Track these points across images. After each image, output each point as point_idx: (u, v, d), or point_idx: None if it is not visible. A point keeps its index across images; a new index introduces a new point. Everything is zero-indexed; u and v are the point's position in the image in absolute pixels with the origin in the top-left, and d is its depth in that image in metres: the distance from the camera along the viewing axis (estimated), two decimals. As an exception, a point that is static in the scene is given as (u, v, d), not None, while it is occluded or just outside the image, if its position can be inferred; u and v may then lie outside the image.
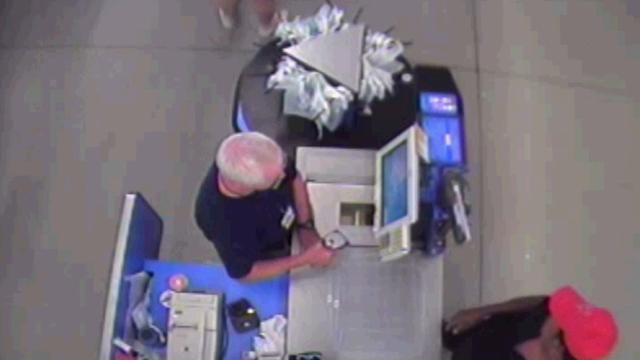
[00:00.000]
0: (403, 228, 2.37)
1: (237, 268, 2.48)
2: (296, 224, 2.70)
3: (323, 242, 2.52)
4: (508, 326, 2.35)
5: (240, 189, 2.23)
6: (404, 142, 2.51)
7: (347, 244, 2.53)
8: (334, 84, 2.61)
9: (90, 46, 4.22)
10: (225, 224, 2.33)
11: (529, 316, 2.27)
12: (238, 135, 2.18)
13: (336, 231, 2.56)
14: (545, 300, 2.22)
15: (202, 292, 2.69)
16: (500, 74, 4.19)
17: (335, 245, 2.51)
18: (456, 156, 2.60)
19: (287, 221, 2.59)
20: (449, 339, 2.71)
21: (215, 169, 2.25)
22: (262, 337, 2.68)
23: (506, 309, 2.52)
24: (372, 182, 2.71)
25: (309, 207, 2.73)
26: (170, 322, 2.63)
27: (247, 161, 2.08)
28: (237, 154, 2.09)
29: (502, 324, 2.44)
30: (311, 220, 2.72)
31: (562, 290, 2.05)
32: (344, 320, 2.66)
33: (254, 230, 2.41)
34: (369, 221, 2.69)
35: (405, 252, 2.36)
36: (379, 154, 2.71)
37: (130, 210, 2.67)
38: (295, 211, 2.64)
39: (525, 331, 2.21)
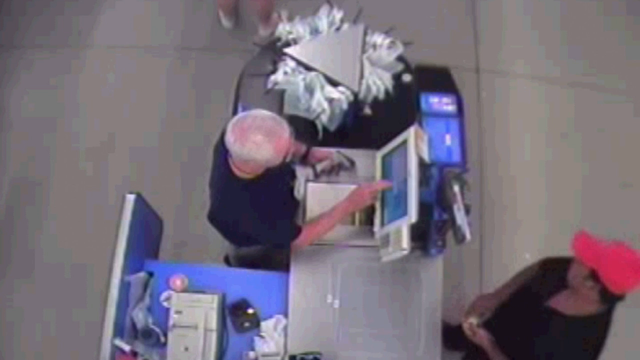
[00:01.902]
0: (403, 228, 2.37)
1: (287, 232, 2.46)
2: (303, 162, 2.75)
3: (337, 151, 2.71)
4: (525, 296, 2.42)
5: (254, 167, 2.23)
6: (404, 142, 2.51)
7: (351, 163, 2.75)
8: (334, 84, 2.61)
9: (90, 46, 4.23)
10: (254, 203, 2.32)
11: (540, 280, 2.36)
12: (242, 114, 2.18)
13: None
14: (542, 262, 2.40)
15: (202, 292, 2.69)
16: (500, 74, 4.19)
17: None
18: (456, 156, 2.60)
19: (298, 192, 2.62)
20: (452, 337, 2.72)
21: (223, 157, 2.25)
22: (262, 337, 2.68)
23: (516, 286, 2.55)
24: (372, 182, 2.71)
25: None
26: (170, 322, 2.63)
27: (255, 137, 2.09)
28: (244, 132, 2.10)
29: (517, 299, 2.49)
30: (307, 147, 2.72)
31: (578, 236, 2.09)
32: (344, 320, 2.66)
33: (280, 204, 2.44)
34: (369, 221, 2.68)
35: (405, 252, 2.36)
36: (379, 154, 2.71)
37: (130, 210, 2.66)
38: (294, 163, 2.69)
39: (544, 291, 2.28)
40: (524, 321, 2.35)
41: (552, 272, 2.27)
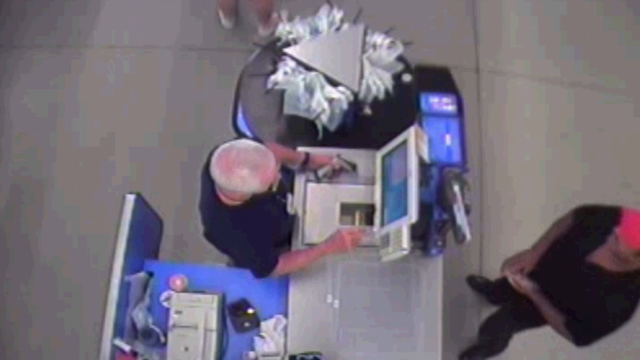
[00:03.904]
0: (403, 228, 2.37)
1: (265, 266, 2.47)
2: (303, 168, 2.75)
3: (338, 155, 2.72)
4: (565, 248, 2.46)
5: (240, 197, 2.25)
6: (404, 142, 2.51)
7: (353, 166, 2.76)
8: (334, 84, 2.61)
9: (90, 46, 4.23)
10: (240, 232, 2.33)
11: (578, 231, 2.41)
12: (226, 145, 2.17)
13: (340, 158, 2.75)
14: (575, 212, 2.45)
15: (202, 292, 2.69)
16: (500, 74, 4.19)
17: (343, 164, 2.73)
18: (456, 156, 2.61)
19: (291, 207, 2.61)
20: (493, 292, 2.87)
21: (210, 185, 2.26)
22: (262, 337, 2.68)
23: (552, 238, 2.59)
24: (372, 182, 2.72)
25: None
26: (170, 322, 2.63)
27: (241, 172, 2.09)
28: (230, 166, 2.10)
29: (558, 251, 2.53)
30: (306, 154, 2.72)
31: (626, 218, 2.12)
32: (344, 320, 2.66)
33: (269, 227, 2.43)
34: (369, 221, 2.69)
35: (405, 252, 2.36)
36: (379, 154, 2.71)
37: (130, 210, 2.66)
38: (290, 170, 2.69)
39: (584, 245, 2.32)
40: (567, 274, 2.39)
41: (589, 224, 2.31)
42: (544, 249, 2.60)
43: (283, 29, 2.70)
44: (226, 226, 2.35)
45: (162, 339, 2.64)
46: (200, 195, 2.46)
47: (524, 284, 2.52)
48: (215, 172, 2.13)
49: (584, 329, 2.36)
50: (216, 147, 2.20)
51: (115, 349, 2.51)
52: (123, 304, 2.59)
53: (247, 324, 2.70)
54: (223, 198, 2.28)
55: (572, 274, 2.36)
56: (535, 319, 2.58)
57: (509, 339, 3.22)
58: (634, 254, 2.11)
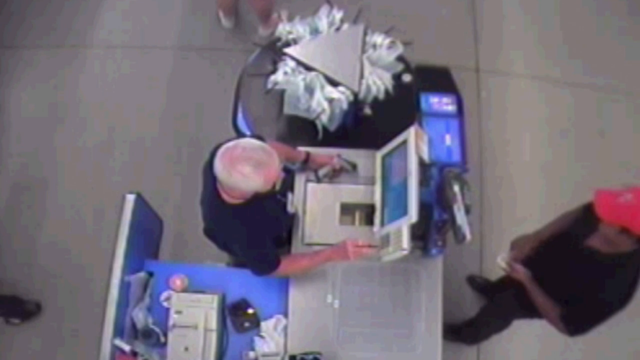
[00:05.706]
0: (403, 228, 2.37)
1: (265, 264, 2.47)
2: (303, 167, 2.75)
3: (338, 155, 2.71)
4: (565, 237, 2.48)
5: (241, 195, 2.24)
6: (404, 142, 2.51)
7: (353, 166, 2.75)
8: (334, 84, 2.61)
9: (90, 46, 4.23)
10: (241, 230, 2.34)
11: (581, 222, 2.42)
12: (231, 143, 2.17)
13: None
14: (587, 206, 2.41)
15: (202, 292, 2.69)
16: (500, 74, 4.19)
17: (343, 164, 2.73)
18: (456, 156, 2.60)
19: (291, 206, 2.61)
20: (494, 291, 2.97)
21: (212, 181, 2.27)
22: (262, 337, 2.68)
23: (553, 229, 2.61)
24: (372, 182, 2.72)
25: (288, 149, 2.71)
26: (170, 322, 2.63)
27: (243, 169, 2.09)
28: (233, 163, 2.10)
29: (558, 239, 2.55)
30: (307, 153, 2.72)
31: (598, 197, 2.15)
32: (344, 320, 2.66)
33: (269, 225, 2.43)
34: (369, 221, 2.69)
35: (405, 252, 2.36)
36: (379, 154, 2.72)
37: (130, 210, 2.66)
38: (290, 169, 2.69)
39: (583, 232, 2.34)
40: (563, 260, 2.40)
41: (593, 214, 2.31)
42: (546, 236, 2.61)
43: (283, 29, 2.71)
44: (226, 223, 2.35)
45: (162, 339, 2.64)
46: (201, 191, 2.46)
47: (519, 268, 2.53)
48: (218, 167, 2.13)
49: (580, 317, 2.37)
50: (220, 144, 2.20)
51: (115, 349, 2.52)
52: (123, 304, 2.59)
53: (247, 324, 2.70)
54: (224, 195, 2.28)
55: (571, 261, 2.37)
56: (535, 309, 2.59)
57: (495, 332, 3.24)
58: (615, 232, 2.13)
